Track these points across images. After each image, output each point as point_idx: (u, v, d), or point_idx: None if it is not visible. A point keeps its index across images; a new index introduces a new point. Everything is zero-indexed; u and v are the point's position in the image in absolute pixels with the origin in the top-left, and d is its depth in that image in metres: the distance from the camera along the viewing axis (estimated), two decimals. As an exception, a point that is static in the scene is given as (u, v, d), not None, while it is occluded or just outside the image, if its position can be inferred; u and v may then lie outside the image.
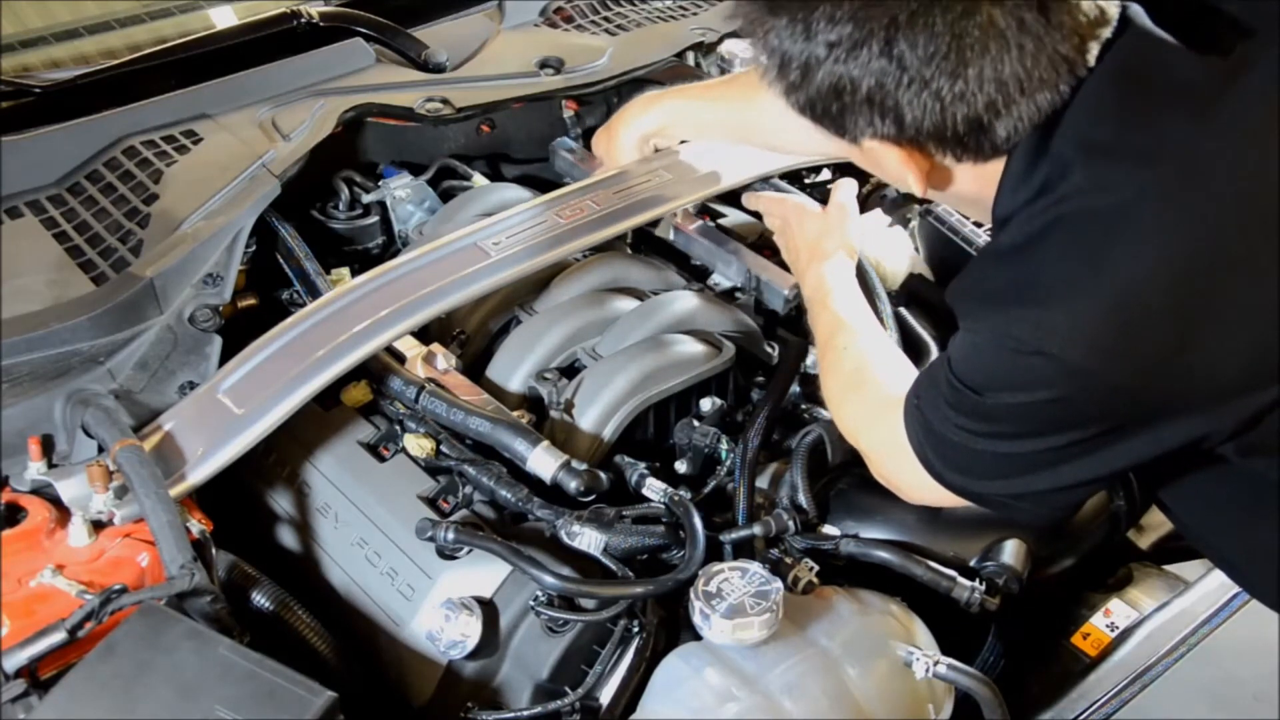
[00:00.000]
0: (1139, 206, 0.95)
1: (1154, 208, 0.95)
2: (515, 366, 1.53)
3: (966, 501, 1.18)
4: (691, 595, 1.19)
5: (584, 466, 1.33)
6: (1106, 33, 0.99)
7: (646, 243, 1.82)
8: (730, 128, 1.68)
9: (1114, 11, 0.99)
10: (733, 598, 1.17)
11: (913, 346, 1.57)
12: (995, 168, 1.06)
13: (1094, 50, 0.98)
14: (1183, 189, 0.95)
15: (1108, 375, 0.97)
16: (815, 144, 1.63)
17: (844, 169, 2.05)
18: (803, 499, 1.37)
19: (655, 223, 1.80)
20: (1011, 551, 1.34)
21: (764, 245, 1.86)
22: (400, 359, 1.50)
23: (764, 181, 1.80)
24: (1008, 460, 1.09)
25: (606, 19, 2.20)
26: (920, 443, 1.16)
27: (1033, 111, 0.99)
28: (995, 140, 1.01)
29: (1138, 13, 1.01)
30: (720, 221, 1.84)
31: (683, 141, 1.77)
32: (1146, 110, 0.98)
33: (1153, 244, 0.95)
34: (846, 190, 1.62)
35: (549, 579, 1.21)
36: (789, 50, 1.01)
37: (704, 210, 1.85)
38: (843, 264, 1.53)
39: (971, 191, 1.10)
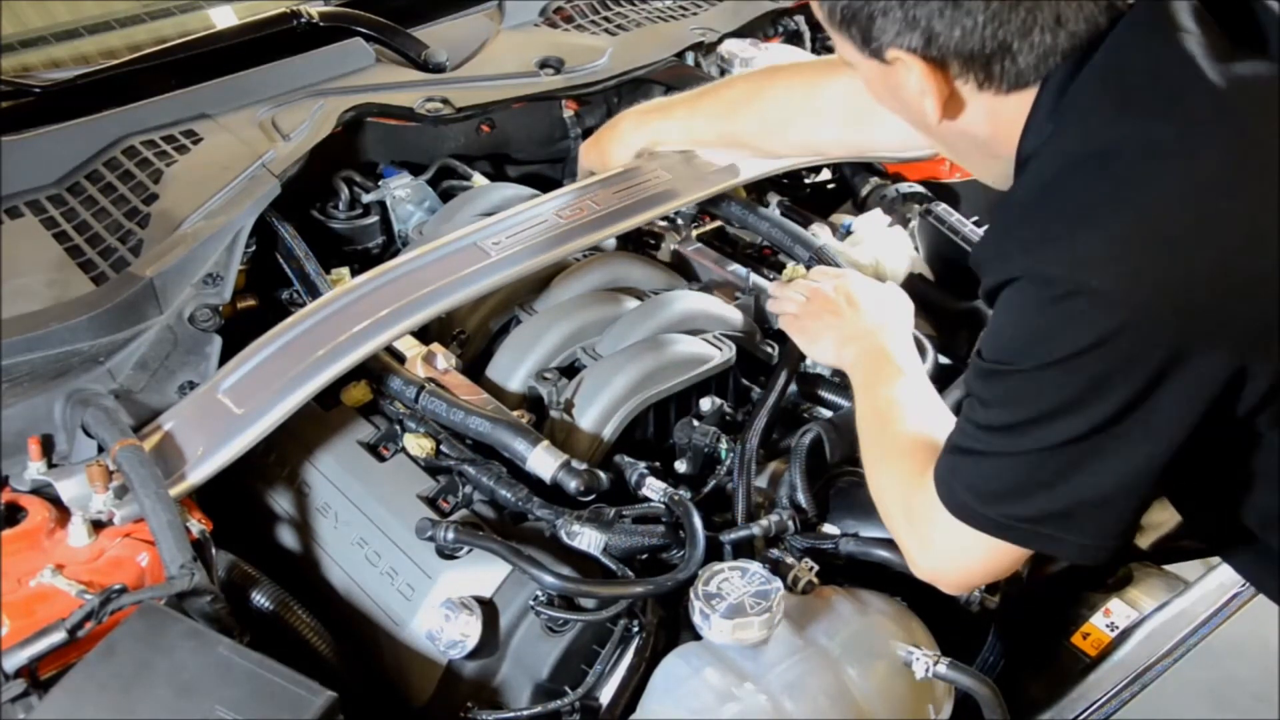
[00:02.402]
0: (1166, 136, 0.96)
1: (1182, 134, 0.96)
2: (515, 366, 1.53)
3: (1003, 564, 1.14)
4: (691, 595, 1.19)
5: (584, 466, 1.33)
6: None
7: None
8: (714, 138, 1.70)
9: None
10: (732, 597, 1.17)
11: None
12: (1014, 105, 1.05)
13: None
14: (1210, 121, 0.96)
15: (1145, 299, 0.95)
16: (799, 145, 1.65)
17: (840, 181, 2.07)
18: (802, 498, 1.37)
19: (657, 240, 1.82)
20: (1011, 551, 1.34)
21: (764, 246, 1.87)
22: (400, 359, 1.51)
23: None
24: (1048, 458, 1.04)
25: (606, 19, 2.20)
26: (952, 489, 1.11)
27: (1064, 42, 1.00)
28: (1020, 68, 1.02)
29: None
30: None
31: None
32: (1173, 56, 0.98)
33: (1182, 164, 0.95)
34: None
35: (549, 579, 1.21)
36: None
37: (703, 210, 1.86)
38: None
39: (984, 131, 1.10)
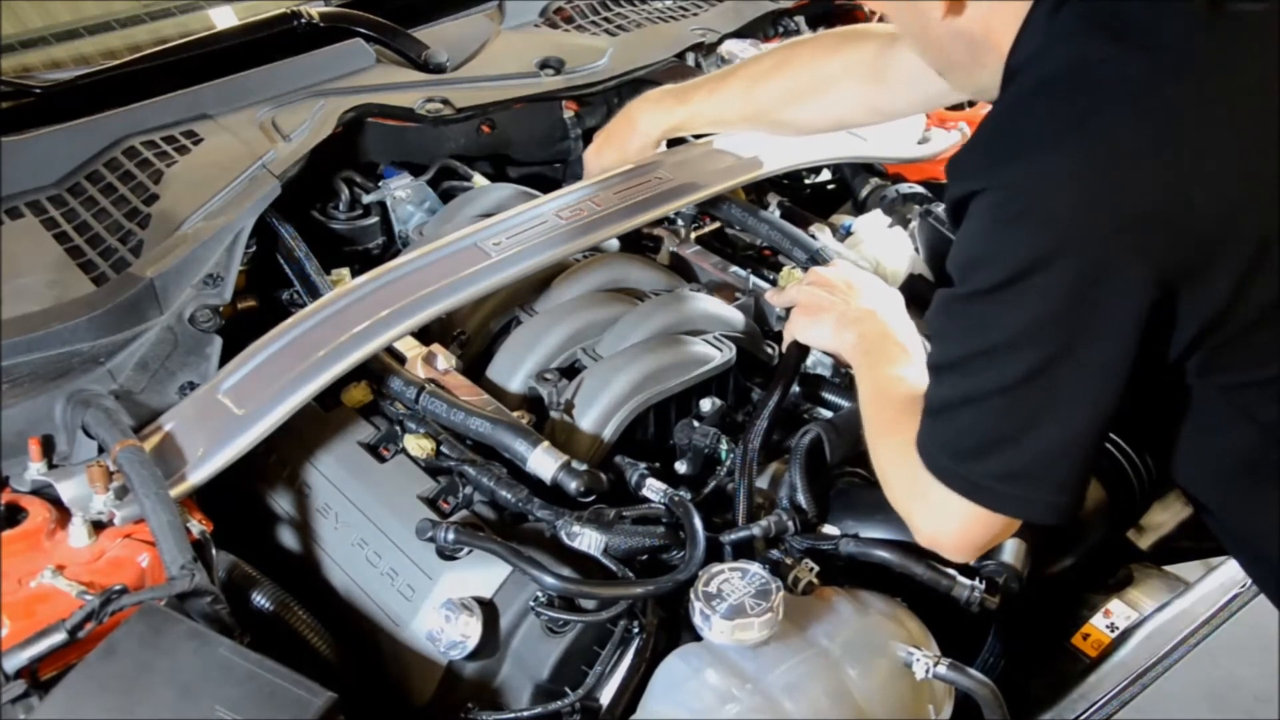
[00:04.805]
0: (1142, 65, 0.99)
1: (1158, 65, 0.99)
2: (515, 367, 1.53)
3: (995, 528, 1.15)
4: (691, 596, 1.19)
5: (584, 467, 1.33)
6: None
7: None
8: (738, 117, 1.72)
9: None
10: (733, 598, 1.17)
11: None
12: (1013, 10, 1.08)
13: None
14: (1190, 55, 1.00)
15: (1086, 223, 0.98)
16: (820, 119, 1.65)
17: (840, 182, 2.07)
18: (802, 499, 1.37)
19: (656, 242, 1.82)
20: (1011, 550, 1.34)
21: (763, 246, 1.87)
22: (400, 359, 1.51)
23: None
24: (1008, 403, 1.06)
25: (606, 19, 2.21)
26: (929, 450, 1.13)
27: None
28: None
29: None
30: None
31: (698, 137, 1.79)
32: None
33: (1152, 95, 0.99)
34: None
35: (549, 579, 1.21)
36: None
37: (703, 212, 1.86)
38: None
39: (979, 30, 1.12)
